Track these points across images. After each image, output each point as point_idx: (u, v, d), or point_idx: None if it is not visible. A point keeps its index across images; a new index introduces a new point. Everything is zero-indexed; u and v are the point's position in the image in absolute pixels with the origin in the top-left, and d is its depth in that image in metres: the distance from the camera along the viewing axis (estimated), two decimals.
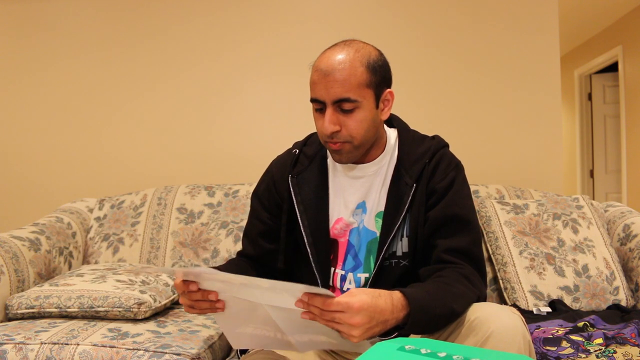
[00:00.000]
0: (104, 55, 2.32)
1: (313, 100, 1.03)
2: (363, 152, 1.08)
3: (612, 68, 4.64)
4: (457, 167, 1.12)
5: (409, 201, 1.07)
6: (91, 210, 1.94)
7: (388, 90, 1.07)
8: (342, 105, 1.01)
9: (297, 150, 1.19)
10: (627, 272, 1.63)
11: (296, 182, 1.15)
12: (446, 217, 1.06)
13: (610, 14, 4.17)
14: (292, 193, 1.14)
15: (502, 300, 1.64)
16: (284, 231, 1.15)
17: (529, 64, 2.21)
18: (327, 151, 1.18)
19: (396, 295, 0.88)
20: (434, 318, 0.90)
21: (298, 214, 1.12)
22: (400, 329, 0.90)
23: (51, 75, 2.34)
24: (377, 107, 1.05)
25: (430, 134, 1.20)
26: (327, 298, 0.82)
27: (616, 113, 4.62)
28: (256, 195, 1.23)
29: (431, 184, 1.09)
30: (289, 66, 2.27)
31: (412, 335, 0.95)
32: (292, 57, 2.27)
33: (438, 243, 1.05)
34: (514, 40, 2.22)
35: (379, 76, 1.04)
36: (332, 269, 1.12)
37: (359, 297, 0.82)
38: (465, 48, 2.23)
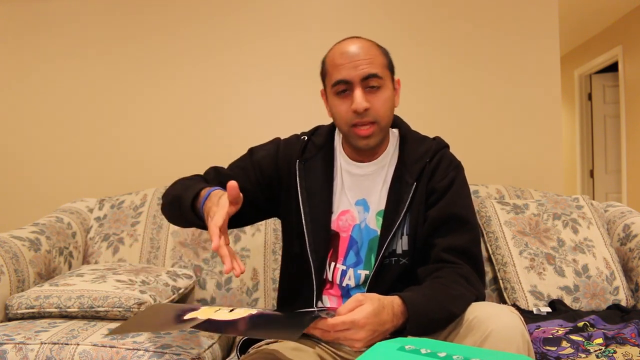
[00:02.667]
0: (104, 56, 2.32)
1: (338, 83, 1.04)
2: (383, 137, 1.10)
3: (612, 68, 4.63)
4: (457, 167, 1.13)
5: (409, 200, 1.07)
6: (91, 210, 1.94)
7: (397, 78, 1.12)
8: (370, 83, 1.03)
9: (306, 137, 1.19)
10: (627, 272, 1.63)
11: (303, 168, 1.15)
12: (445, 217, 1.06)
13: (610, 14, 4.17)
14: (298, 178, 1.13)
15: (502, 300, 1.64)
16: (293, 216, 1.13)
17: (529, 64, 2.21)
18: (335, 143, 1.18)
19: (396, 302, 0.88)
20: (432, 322, 0.90)
21: (300, 201, 1.12)
22: (399, 333, 0.90)
23: (51, 76, 2.34)
24: (393, 90, 1.10)
25: (430, 134, 1.21)
26: (330, 319, 0.81)
27: (616, 113, 4.62)
28: (252, 156, 1.21)
29: (431, 184, 1.09)
30: (290, 67, 2.27)
31: (410, 335, 0.95)
32: (293, 59, 2.27)
33: (437, 242, 1.05)
34: (514, 40, 2.22)
35: (391, 63, 1.11)
36: (333, 263, 1.12)
37: (365, 311, 0.82)
38: (465, 48, 2.23)
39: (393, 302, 0.88)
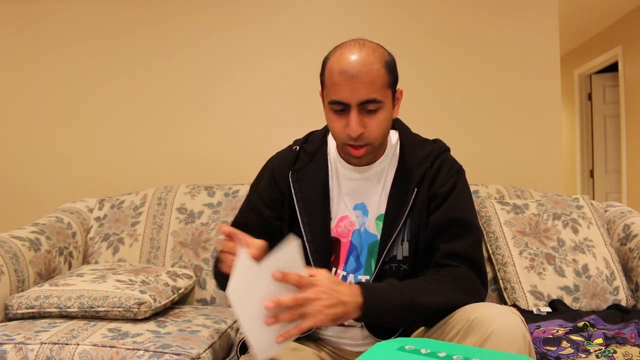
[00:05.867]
0: (103, 55, 2.32)
1: (334, 102, 1.01)
2: (377, 151, 1.09)
3: (612, 68, 4.64)
4: (458, 171, 1.13)
5: (410, 205, 1.07)
6: (91, 210, 1.94)
7: (399, 89, 1.09)
8: (367, 107, 1.00)
9: (298, 147, 1.19)
10: (627, 272, 1.63)
11: (296, 179, 1.14)
12: (447, 221, 1.06)
13: (610, 14, 4.18)
14: (292, 190, 1.13)
15: (502, 300, 1.64)
16: (286, 228, 1.15)
17: (529, 64, 2.21)
18: (328, 149, 1.18)
19: (353, 284, 0.94)
20: (389, 305, 0.93)
21: (297, 211, 1.12)
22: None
23: (51, 75, 2.34)
24: (393, 106, 1.07)
25: (430, 134, 1.20)
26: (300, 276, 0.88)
27: (616, 113, 4.63)
28: (255, 190, 1.22)
29: (433, 189, 1.09)
30: (290, 65, 2.27)
31: (368, 319, 0.99)
32: (294, 57, 2.27)
33: (437, 247, 1.06)
34: (514, 41, 2.22)
35: (394, 75, 1.05)
36: (334, 269, 1.12)
37: (321, 275, 0.90)
38: (465, 48, 2.23)
39: (349, 282, 0.96)
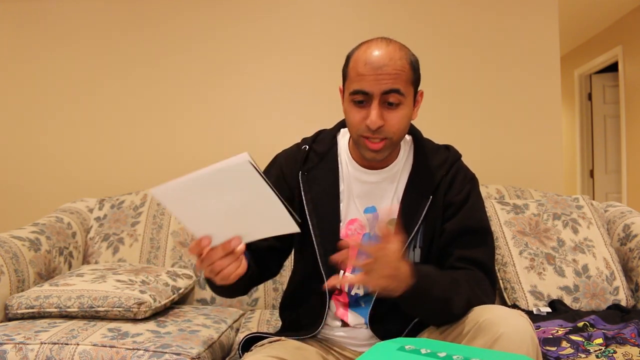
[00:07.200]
0: (104, 55, 2.32)
1: (357, 92, 1.01)
2: (393, 150, 1.08)
3: (612, 68, 4.63)
4: (472, 180, 1.13)
5: (424, 213, 1.07)
6: (91, 210, 1.94)
7: (420, 90, 1.08)
8: (389, 98, 0.99)
9: (307, 147, 1.16)
10: (627, 272, 1.63)
11: (306, 180, 1.12)
12: (462, 230, 1.06)
13: (610, 14, 4.17)
14: (302, 191, 1.11)
15: (502, 301, 1.64)
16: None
17: (529, 64, 2.21)
18: (338, 149, 1.16)
19: (410, 265, 0.93)
20: (429, 297, 0.93)
21: (307, 213, 1.10)
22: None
23: (51, 75, 2.34)
24: (413, 105, 1.06)
25: (429, 134, 1.20)
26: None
27: (616, 113, 4.62)
28: None
29: (448, 197, 1.09)
30: (289, 66, 2.27)
31: (403, 303, 0.96)
32: (293, 57, 2.27)
33: (451, 253, 1.06)
34: (514, 41, 2.22)
35: (417, 75, 1.05)
36: (342, 271, 1.11)
37: (391, 249, 0.88)
38: (465, 48, 2.23)
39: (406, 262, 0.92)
